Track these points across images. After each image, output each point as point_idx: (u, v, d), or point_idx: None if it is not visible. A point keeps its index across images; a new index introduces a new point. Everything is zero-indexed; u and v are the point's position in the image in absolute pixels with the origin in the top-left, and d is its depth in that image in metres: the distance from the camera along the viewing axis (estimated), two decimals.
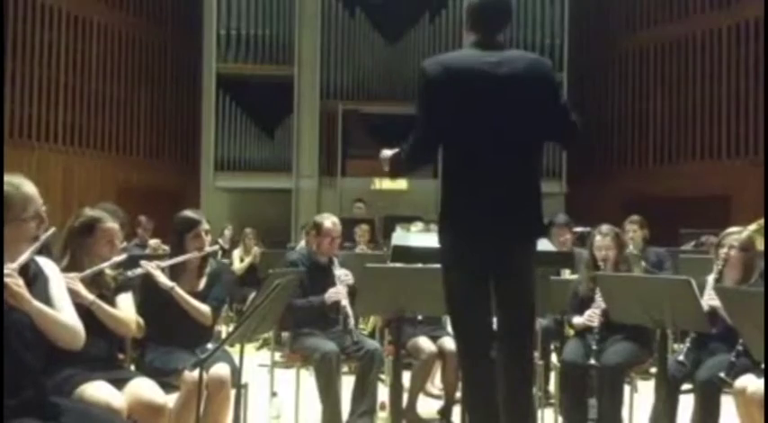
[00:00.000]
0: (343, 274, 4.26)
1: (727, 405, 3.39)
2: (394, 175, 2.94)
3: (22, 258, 2.23)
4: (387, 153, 2.87)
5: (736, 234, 3.69)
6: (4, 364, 2.14)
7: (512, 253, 2.70)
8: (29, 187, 2.29)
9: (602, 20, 12.16)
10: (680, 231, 7.78)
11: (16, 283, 2.14)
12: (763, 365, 3.16)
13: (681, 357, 3.52)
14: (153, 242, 7.38)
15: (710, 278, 3.64)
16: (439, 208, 2.77)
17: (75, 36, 10.05)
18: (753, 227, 6.21)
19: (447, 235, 2.73)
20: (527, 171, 2.74)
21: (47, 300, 2.30)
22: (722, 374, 3.31)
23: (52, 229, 2.39)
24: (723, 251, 3.66)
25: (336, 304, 4.17)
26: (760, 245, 6.71)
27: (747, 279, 3.63)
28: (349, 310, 4.13)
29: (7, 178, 2.27)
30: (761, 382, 3.11)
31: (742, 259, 3.63)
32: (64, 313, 2.32)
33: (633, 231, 5.99)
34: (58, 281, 2.42)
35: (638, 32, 11.61)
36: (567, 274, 4.75)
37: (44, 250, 2.55)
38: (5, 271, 2.14)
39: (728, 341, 3.42)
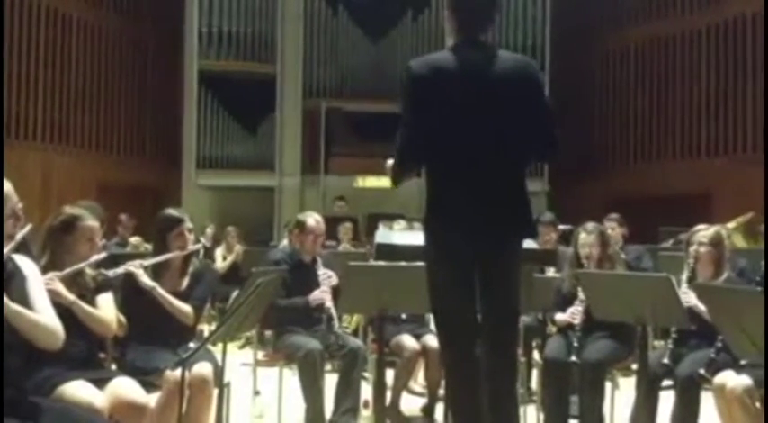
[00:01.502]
0: (326, 275, 4.25)
1: (708, 401, 3.43)
2: (396, 182, 2.83)
3: None
4: (390, 162, 2.80)
5: (704, 231, 3.73)
6: None
7: (497, 251, 2.70)
8: (5, 185, 2.26)
9: (583, 19, 12.22)
10: (660, 229, 7.85)
11: None
12: (742, 361, 3.20)
13: (665, 360, 3.54)
14: (134, 240, 7.33)
15: (683, 277, 3.68)
16: (424, 206, 2.77)
17: (54, 32, 9.92)
18: (731, 225, 6.28)
19: (432, 232, 2.73)
20: (513, 171, 2.74)
21: (24, 299, 2.27)
22: (702, 371, 3.34)
23: (29, 227, 2.36)
24: (693, 249, 3.70)
25: (320, 305, 4.17)
26: (738, 242, 6.78)
27: (719, 274, 3.68)
28: (333, 312, 4.13)
29: None
30: (740, 379, 3.15)
31: (712, 255, 3.67)
32: (42, 314, 2.29)
33: (611, 229, 6.03)
34: (37, 280, 2.39)
35: (620, 32, 11.68)
36: (552, 273, 4.77)
37: (22, 248, 2.51)
38: None
39: (707, 337, 3.45)
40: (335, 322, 4.12)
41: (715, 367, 3.33)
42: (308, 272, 4.29)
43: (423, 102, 2.67)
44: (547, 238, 5.29)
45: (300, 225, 4.39)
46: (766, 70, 9.25)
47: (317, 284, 4.21)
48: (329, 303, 4.13)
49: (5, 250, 2.23)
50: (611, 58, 11.86)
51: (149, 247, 4.50)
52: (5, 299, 2.15)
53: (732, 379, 3.19)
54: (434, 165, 2.74)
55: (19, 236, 2.29)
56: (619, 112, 11.72)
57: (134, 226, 7.80)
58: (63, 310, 2.72)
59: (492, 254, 2.69)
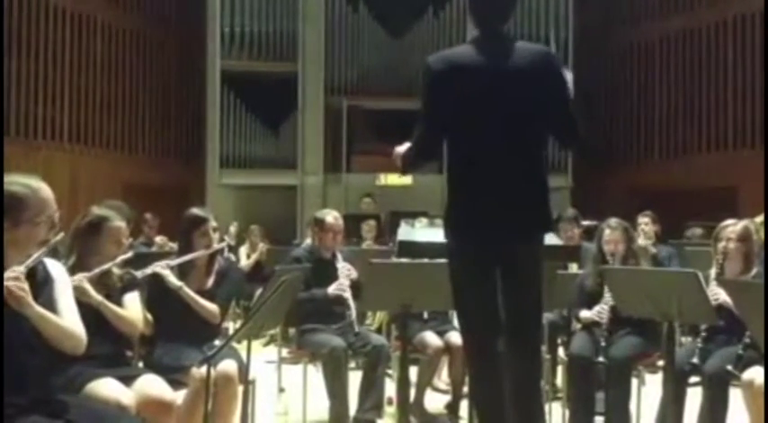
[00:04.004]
0: (345, 268, 4.28)
1: (736, 397, 3.39)
2: (405, 172, 2.91)
3: (29, 261, 2.23)
4: (399, 150, 2.85)
5: (732, 226, 3.67)
6: (5, 365, 2.14)
7: (518, 247, 2.69)
8: (46, 192, 2.30)
9: (606, 12, 12.10)
10: (687, 224, 7.74)
11: (20, 287, 2.14)
12: None
13: (695, 360, 3.49)
14: (159, 239, 7.40)
15: (712, 273, 3.62)
16: (445, 202, 2.77)
17: (79, 34, 10.06)
18: (759, 219, 6.18)
19: (453, 228, 2.73)
20: (533, 165, 2.72)
21: (51, 303, 2.30)
22: (730, 367, 3.30)
23: (61, 234, 2.40)
24: (721, 245, 3.64)
25: (340, 297, 4.19)
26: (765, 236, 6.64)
27: (749, 270, 3.62)
28: (351, 303, 4.15)
29: (25, 180, 2.28)
30: None
31: (741, 250, 3.61)
32: (67, 319, 2.32)
33: (645, 224, 5.98)
34: (65, 284, 2.42)
35: (644, 25, 11.55)
36: (574, 269, 4.74)
37: (51, 250, 2.55)
38: (12, 274, 2.14)
39: (736, 333, 3.41)
40: (353, 311, 4.14)
41: (743, 363, 3.28)
42: (328, 268, 4.32)
43: (440, 96, 2.66)
44: (570, 235, 5.26)
45: (319, 222, 4.43)
46: (766, 69, 9.13)
47: (336, 279, 4.25)
48: (347, 294, 4.16)
49: (37, 254, 2.27)
50: (636, 52, 11.73)
51: (174, 246, 4.55)
52: (31, 301, 2.18)
53: (760, 375, 3.15)
54: (453, 160, 2.74)
55: (52, 242, 2.33)
56: (643, 106, 11.58)
57: (159, 225, 7.88)
58: (91, 310, 2.76)
59: (512, 249, 2.68)
